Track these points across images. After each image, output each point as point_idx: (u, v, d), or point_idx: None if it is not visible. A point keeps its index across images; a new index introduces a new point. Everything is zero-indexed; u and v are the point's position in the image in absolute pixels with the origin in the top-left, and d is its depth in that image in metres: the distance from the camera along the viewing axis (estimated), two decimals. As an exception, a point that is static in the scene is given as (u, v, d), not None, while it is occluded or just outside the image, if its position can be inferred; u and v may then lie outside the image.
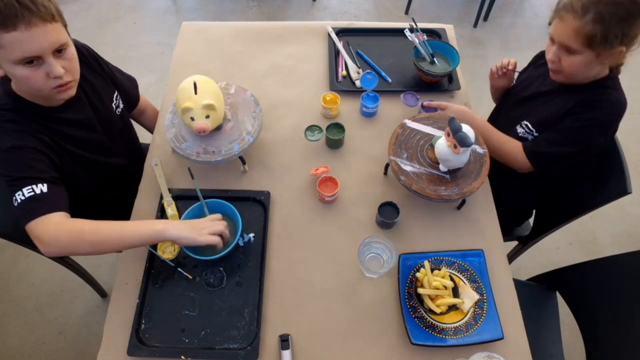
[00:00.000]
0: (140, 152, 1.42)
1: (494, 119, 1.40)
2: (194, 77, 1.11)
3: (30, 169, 0.95)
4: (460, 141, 0.99)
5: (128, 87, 1.34)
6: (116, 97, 1.25)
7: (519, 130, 1.25)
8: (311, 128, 1.28)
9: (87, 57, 1.17)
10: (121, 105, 1.28)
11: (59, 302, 1.82)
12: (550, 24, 1.10)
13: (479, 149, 1.14)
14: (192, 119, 1.09)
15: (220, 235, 1.01)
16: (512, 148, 1.21)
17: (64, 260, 1.46)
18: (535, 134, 1.21)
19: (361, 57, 1.50)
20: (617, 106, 1.10)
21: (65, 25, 0.95)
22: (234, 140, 1.16)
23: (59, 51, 0.93)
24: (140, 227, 1.00)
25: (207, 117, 1.09)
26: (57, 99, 1.01)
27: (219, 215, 1.06)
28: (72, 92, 1.01)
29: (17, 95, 1.00)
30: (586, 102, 1.11)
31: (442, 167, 1.11)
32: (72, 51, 0.97)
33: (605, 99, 1.10)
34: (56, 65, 0.92)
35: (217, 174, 1.24)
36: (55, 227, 0.93)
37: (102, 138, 1.19)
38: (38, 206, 0.93)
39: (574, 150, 1.13)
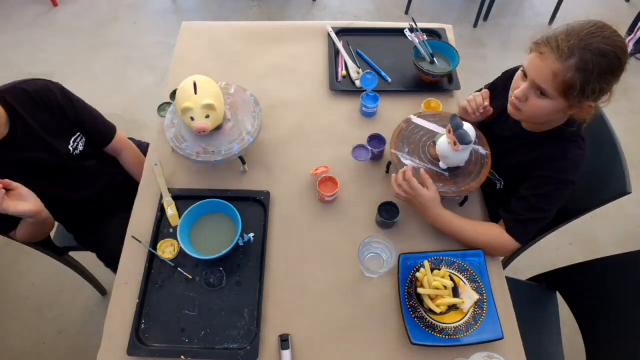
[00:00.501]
0: (118, 186, 1.39)
1: None
2: (194, 77, 1.11)
3: None
4: (460, 139, 1.00)
5: (96, 131, 1.32)
6: (75, 139, 1.24)
7: (489, 176, 1.16)
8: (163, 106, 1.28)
9: (47, 97, 1.17)
10: (81, 147, 1.26)
11: (59, 302, 1.82)
12: (529, 52, 0.96)
13: (481, 150, 1.14)
14: (192, 119, 1.09)
15: None
16: (493, 235, 1.08)
17: (64, 259, 1.47)
18: (501, 180, 1.17)
19: (361, 57, 1.50)
20: (580, 163, 1.03)
21: None
22: (234, 140, 1.16)
23: None
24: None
25: (207, 117, 1.09)
26: None
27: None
28: None
29: None
30: (552, 158, 1.03)
31: (442, 165, 1.11)
32: None
33: (571, 156, 1.01)
34: None
35: (217, 174, 1.24)
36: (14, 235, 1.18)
37: (42, 182, 1.17)
38: None
39: (552, 212, 1.06)
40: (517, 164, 1.10)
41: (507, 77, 1.15)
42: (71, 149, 1.24)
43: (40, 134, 1.16)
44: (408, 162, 1.12)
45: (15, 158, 1.12)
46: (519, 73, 0.99)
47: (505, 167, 1.14)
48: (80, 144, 1.26)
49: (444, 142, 1.07)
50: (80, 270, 1.59)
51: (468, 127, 1.02)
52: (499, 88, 1.18)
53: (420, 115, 1.21)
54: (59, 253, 1.45)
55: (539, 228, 1.07)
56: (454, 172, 1.12)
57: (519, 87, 0.98)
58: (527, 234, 1.06)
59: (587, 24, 0.88)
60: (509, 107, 1.03)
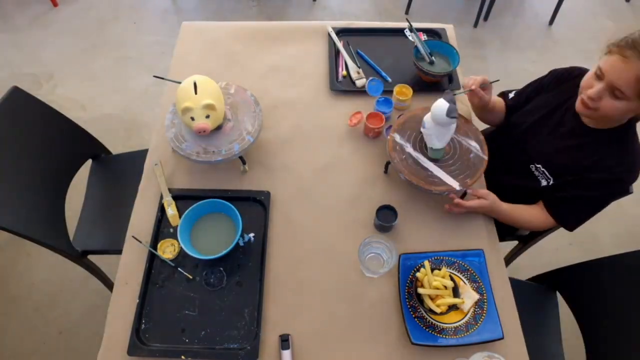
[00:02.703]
0: None
1: (498, 144, 1.24)
2: (194, 77, 1.11)
3: None
4: (446, 98, 1.02)
5: None
6: None
7: (534, 171, 1.18)
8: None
9: None
10: None
11: (59, 302, 1.82)
12: (606, 53, 0.95)
13: (481, 153, 1.14)
14: (193, 118, 1.09)
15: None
16: (539, 223, 1.18)
17: (83, 262, 1.42)
18: (550, 179, 1.15)
19: (361, 57, 1.50)
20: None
21: None
22: (234, 140, 1.16)
23: None
24: None
25: (207, 117, 1.09)
26: None
27: None
28: None
29: None
30: (618, 158, 1.04)
31: (429, 153, 1.14)
32: None
33: (633, 159, 1.04)
34: None
35: (217, 174, 1.24)
36: None
37: None
38: None
39: (598, 206, 1.12)
40: (578, 164, 1.08)
41: (556, 77, 1.20)
42: None
43: None
44: (402, 142, 1.16)
45: None
46: (591, 73, 0.99)
47: (563, 164, 1.11)
48: None
49: (427, 117, 1.09)
50: (99, 274, 1.50)
51: (445, 101, 1.03)
52: (549, 86, 1.21)
53: None
54: (78, 256, 1.39)
55: (583, 213, 1.14)
56: (443, 164, 1.13)
57: (591, 86, 0.98)
58: (577, 224, 1.16)
59: None
60: (579, 106, 1.03)
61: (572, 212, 1.14)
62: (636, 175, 1.05)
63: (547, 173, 1.15)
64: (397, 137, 1.17)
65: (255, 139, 1.17)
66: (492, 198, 1.12)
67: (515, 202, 1.18)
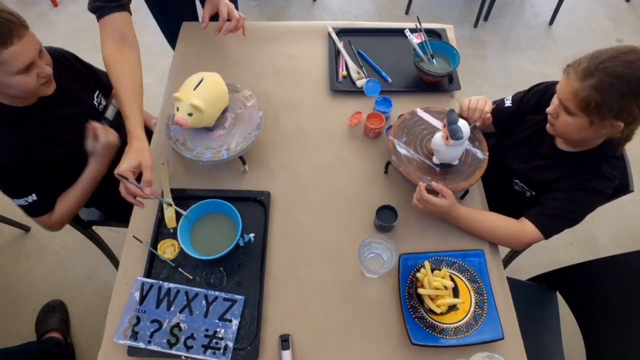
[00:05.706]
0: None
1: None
2: (207, 74, 1.12)
3: (17, 184, 1.11)
4: (451, 133, 1.01)
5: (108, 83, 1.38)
6: (97, 95, 1.30)
7: (514, 185, 1.25)
8: None
9: (66, 58, 1.27)
10: (103, 103, 1.32)
11: (59, 302, 1.82)
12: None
13: (479, 154, 1.14)
14: (177, 109, 1.11)
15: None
16: (513, 228, 1.11)
17: (88, 233, 1.50)
18: (533, 192, 1.21)
19: (362, 57, 1.50)
20: (612, 180, 1.07)
21: None
22: (211, 149, 1.17)
23: (39, 52, 1.02)
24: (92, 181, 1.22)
25: (190, 114, 1.10)
26: (45, 93, 1.09)
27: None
28: (54, 84, 1.10)
29: None
30: (585, 174, 1.08)
31: (434, 159, 1.13)
32: (43, 49, 1.05)
33: (604, 173, 1.06)
34: (44, 66, 1.04)
35: (217, 174, 1.24)
36: (49, 220, 1.19)
37: (82, 135, 1.21)
38: (32, 211, 1.16)
39: (580, 216, 1.11)
40: (549, 179, 1.13)
41: (535, 93, 1.22)
42: (96, 103, 1.29)
43: (69, 90, 1.21)
44: (403, 150, 1.15)
45: (56, 115, 1.16)
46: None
47: (538, 181, 1.18)
48: (102, 100, 1.32)
49: (438, 136, 1.09)
50: (101, 245, 1.59)
51: (462, 124, 1.03)
52: (530, 103, 1.22)
53: (426, 110, 1.22)
54: (84, 226, 1.47)
55: (565, 227, 1.11)
56: (446, 168, 1.13)
57: (552, 104, 1.06)
58: (552, 227, 1.10)
59: (613, 49, 0.95)
60: (548, 125, 1.10)
61: (550, 217, 1.11)
62: (604, 188, 1.07)
63: (525, 187, 1.22)
64: (396, 143, 1.16)
65: (229, 158, 1.15)
66: (452, 200, 1.07)
67: (507, 210, 1.18)
